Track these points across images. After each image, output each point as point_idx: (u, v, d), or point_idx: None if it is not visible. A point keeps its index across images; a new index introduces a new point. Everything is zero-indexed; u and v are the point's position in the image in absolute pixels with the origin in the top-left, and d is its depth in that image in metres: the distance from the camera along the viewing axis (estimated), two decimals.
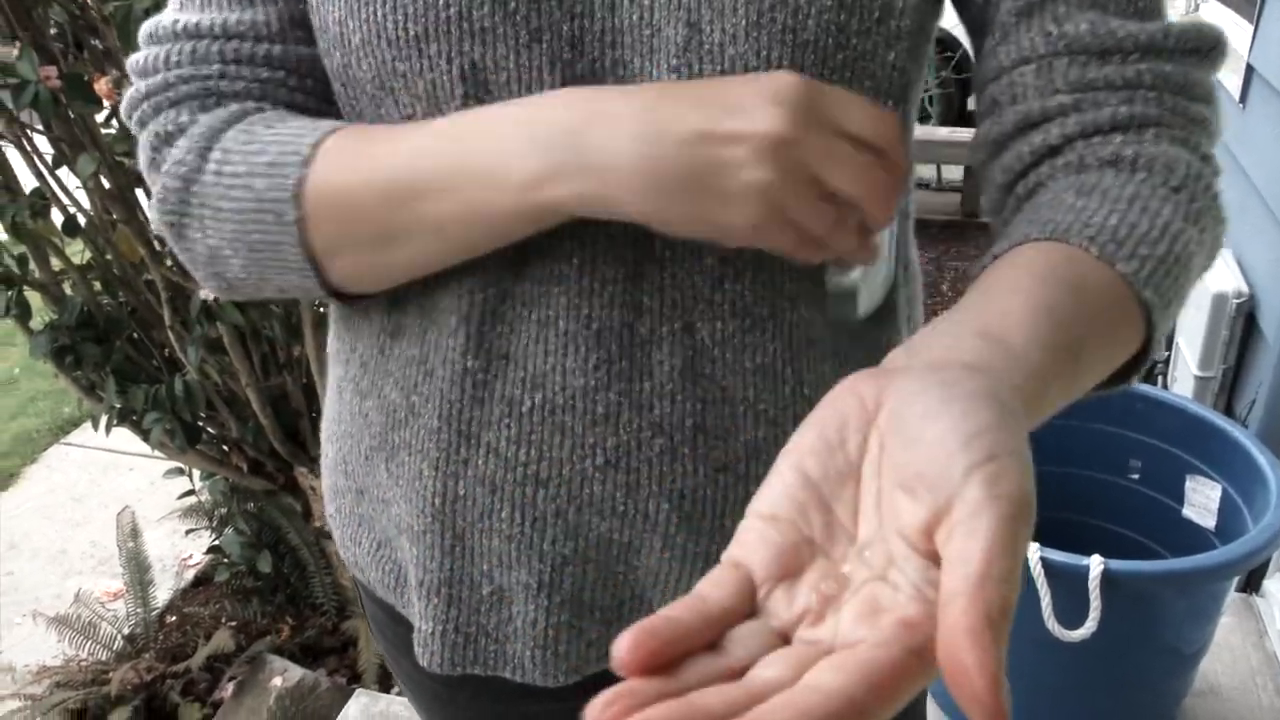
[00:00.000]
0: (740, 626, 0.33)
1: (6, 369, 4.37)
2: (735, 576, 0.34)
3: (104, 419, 2.08)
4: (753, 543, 0.35)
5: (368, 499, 0.70)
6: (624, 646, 0.30)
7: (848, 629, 0.32)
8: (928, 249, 4.09)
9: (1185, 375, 2.17)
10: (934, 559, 0.32)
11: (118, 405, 2.04)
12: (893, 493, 0.34)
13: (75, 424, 3.76)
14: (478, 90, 0.56)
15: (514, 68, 0.55)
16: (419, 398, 0.63)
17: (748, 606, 0.34)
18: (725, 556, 0.35)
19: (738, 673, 0.31)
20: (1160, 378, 2.36)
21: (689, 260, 0.59)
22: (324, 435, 0.75)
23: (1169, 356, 2.34)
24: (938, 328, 0.42)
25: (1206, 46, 0.58)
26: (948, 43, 4.75)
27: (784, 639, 0.33)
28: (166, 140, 0.61)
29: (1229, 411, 2.13)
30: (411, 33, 0.55)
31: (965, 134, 3.88)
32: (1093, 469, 1.77)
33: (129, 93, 0.63)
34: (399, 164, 0.56)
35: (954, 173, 4.54)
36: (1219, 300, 2.03)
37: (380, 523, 0.70)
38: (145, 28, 0.64)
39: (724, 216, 0.51)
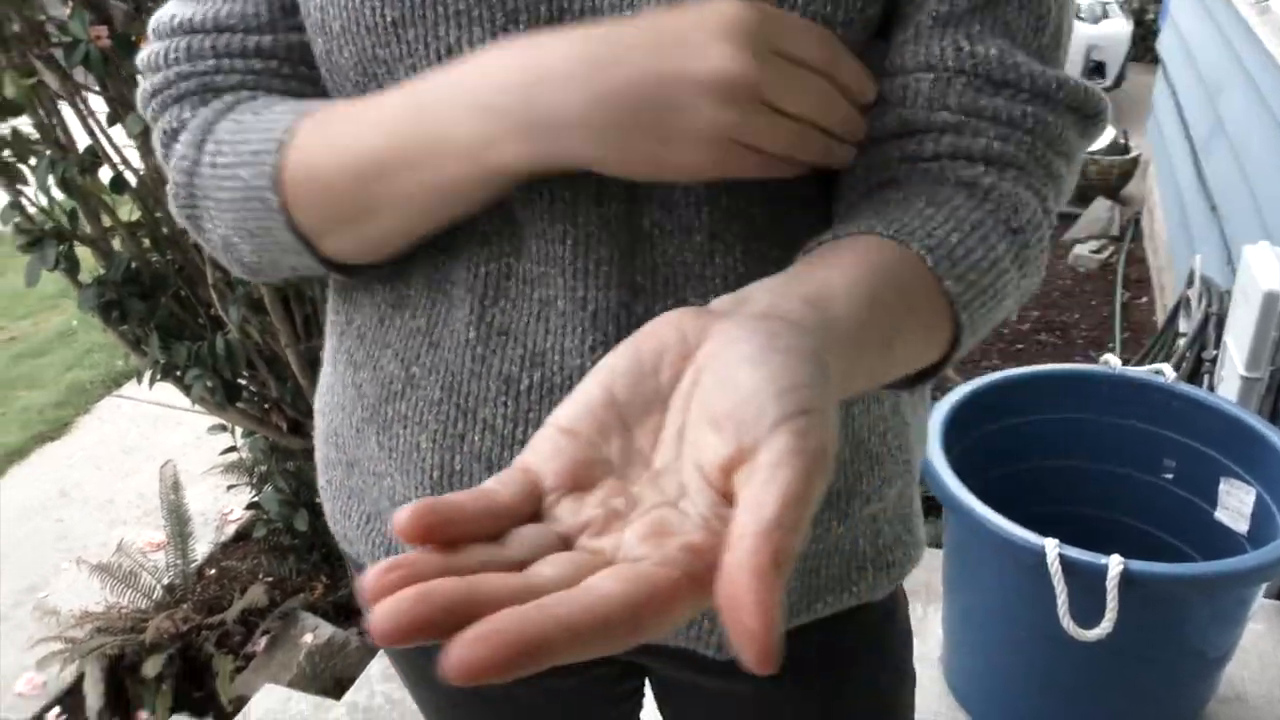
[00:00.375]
0: (523, 528, 0.34)
1: (64, 321, 4.49)
2: (523, 479, 0.35)
3: (148, 373, 2.13)
4: (547, 451, 0.36)
5: (358, 471, 0.70)
6: (404, 515, 0.31)
7: (630, 545, 0.33)
8: None
9: (1232, 375, 2.12)
10: (725, 496, 0.33)
11: (161, 360, 2.08)
12: (699, 427, 0.35)
13: (128, 377, 3.85)
14: None
15: None
16: (420, 369, 0.63)
17: (532, 509, 0.35)
18: (515, 462, 0.36)
19: (517, 567, 0.32)
20: (1206, 377, 2.31)
21: (679, 236, 0.59)
22: (316, 408, 0.75)
23: (1216, 356, 2.29)
24: (765, 284, 0.43)
25: (1089, 111, 0.58)
26: None
27: (565, 545, 0.34)
28: (173, 136, 0.62)
29: (1274, 414, 2.08)
30: (389, 18, 0.55)
31: None
32: (1126, 466, 1.74)
33: (141, 88, 0.65)
34: (363, 142, 0.56)
35: None
36: (1269, 299, 1.98)
37: (372, 495, 0.70)
38: (151, 22, 0.66)
39: (684, 158, 0.50)
